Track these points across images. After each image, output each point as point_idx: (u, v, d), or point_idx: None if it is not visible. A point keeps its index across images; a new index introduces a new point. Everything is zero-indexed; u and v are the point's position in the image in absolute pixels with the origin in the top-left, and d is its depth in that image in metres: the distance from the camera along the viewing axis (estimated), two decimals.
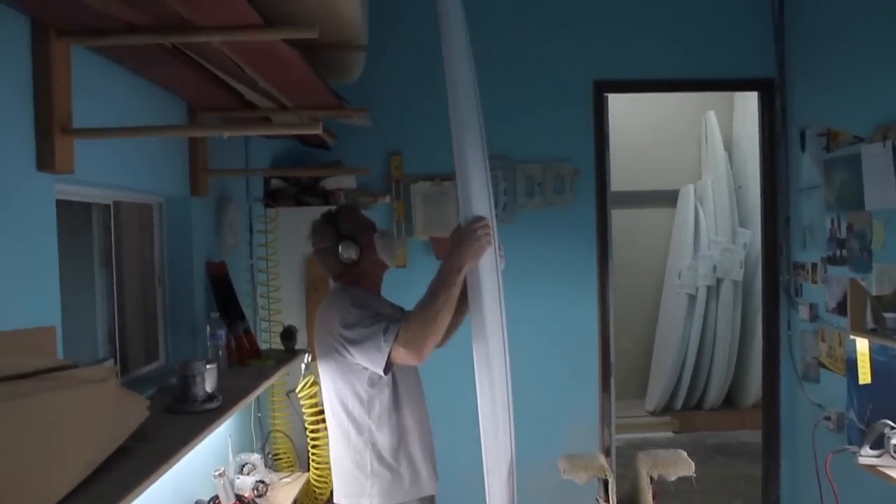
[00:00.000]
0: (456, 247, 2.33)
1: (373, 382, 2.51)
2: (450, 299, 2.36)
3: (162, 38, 1.96)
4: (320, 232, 2.68)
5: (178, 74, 2.49)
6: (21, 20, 1.87)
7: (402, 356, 2.39)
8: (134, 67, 2.44)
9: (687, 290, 6.70)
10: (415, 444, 2.58)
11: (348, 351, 2.47)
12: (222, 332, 2.96)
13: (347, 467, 2.57)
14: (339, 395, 2.56)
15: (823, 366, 4.10)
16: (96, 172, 2.26)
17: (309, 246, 3.85)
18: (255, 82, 2.44)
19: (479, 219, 2.33)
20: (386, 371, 2.43)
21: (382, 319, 2.43)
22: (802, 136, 4.30)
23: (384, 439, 2.53)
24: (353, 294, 2.57)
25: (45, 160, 1.93)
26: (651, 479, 3.06)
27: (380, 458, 2.53)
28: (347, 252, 2.59)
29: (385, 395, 2.52)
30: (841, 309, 3.83)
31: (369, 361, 2.44)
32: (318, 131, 1.92)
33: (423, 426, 2.64)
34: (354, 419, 2.54)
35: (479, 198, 2.35)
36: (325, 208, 3.98)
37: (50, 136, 1.91)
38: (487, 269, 2.35)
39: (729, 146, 6.89)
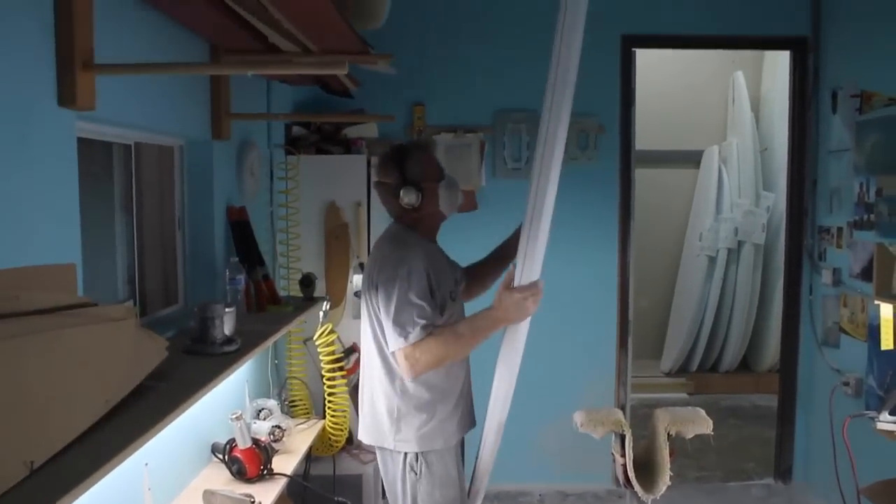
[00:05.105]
0: (504, 311, 2.30)
1: None
2: (472, 347, 2.36)
3: None
4: (385, 167, 2.54)
5: (202, 13, 2.45)
6: None
7: (400, 363, 2.37)
8: (157, 5, 2.40)
9: (707, 252, 6.64)
10: (447, 398, 2.52)
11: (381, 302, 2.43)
12: (241, 277, 2.95)
13: (375, 409, 2.54)
14: (377, 339, 2.51)
15: (844, 331, 4.06)
16: (118, 111, 2.24)
17: (329, 194, 3.90)
18: (279, 23, 2.39)
19: (534, 285, 2.30)
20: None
21: (424, 313, 2.34)
22: (834, 97, 4.20)
23: (414, 389, 2.48)
24: (416, 254, 2.45)
25: (67, 95, 1.90)
26: (669, 435, 3.02)
27: (408, 407, 2.48)
28: (408, 198, 2.47)
29: None
30: (865, 274, 3.77)
31: (387, 334, 2.41)
32: (344, 71, 1.87)
33: (457, 381, 2.57)
34: (389, 366, 2.48)
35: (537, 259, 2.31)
36: (348, 157, 4.00)
37: (72, 70, 1.88)
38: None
39: (756, 108, 6.76)
